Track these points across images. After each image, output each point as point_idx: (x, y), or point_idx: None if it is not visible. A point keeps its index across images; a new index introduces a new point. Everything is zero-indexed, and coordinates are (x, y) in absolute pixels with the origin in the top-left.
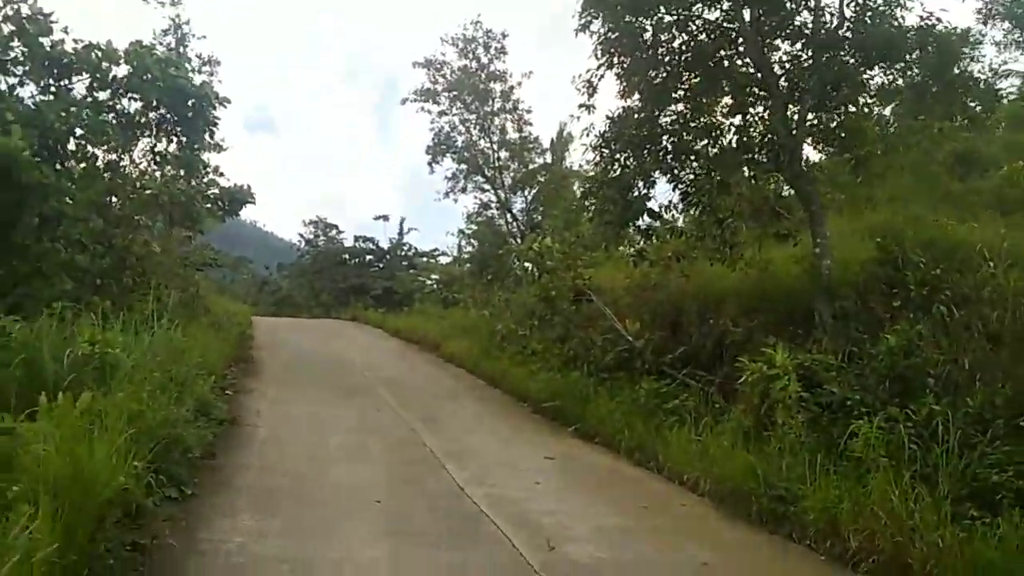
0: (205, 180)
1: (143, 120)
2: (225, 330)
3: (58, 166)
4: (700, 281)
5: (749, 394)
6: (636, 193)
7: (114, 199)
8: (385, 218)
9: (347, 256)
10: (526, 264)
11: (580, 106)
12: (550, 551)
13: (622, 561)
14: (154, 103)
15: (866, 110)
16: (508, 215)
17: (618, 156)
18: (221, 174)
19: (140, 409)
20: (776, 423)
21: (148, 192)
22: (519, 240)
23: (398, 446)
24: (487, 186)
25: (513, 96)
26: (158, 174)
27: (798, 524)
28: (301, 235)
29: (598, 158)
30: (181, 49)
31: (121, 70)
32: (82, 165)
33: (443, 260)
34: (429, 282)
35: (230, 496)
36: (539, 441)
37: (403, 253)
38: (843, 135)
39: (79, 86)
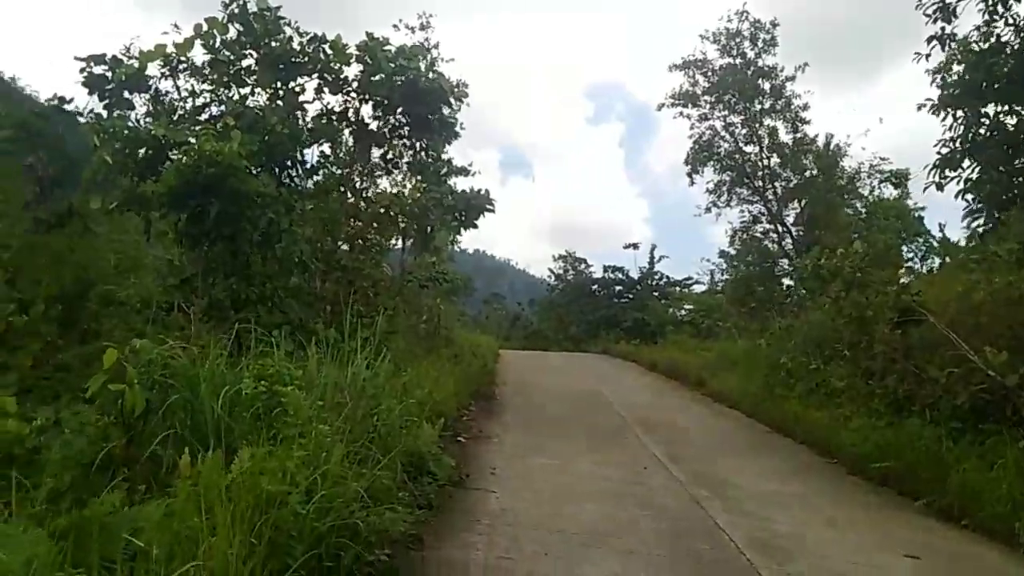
0: (441, 189)
1: (378, 129)
2: (466, 363)
3: (285, 179)
4: None
5: None
6: None
7: (348, 218)
8: (635, 246)
9: (596, 287)
10: (810, 280)
11: (930, 39)
12: None
13: None
14: (386, 102)
15: None
16: (779, 228)
17: (987, 107)
18: (464, 193)
19: (281, 490)
20: None
21: (382, 210)
22: (793, 258)
23: (679, 529)
24: (754, 197)
25: (785, 92)
26: (390, 187)
27: None
28: (551, 270)
29: (951, 116)
30: (430, 75)
31: (351, 70)
32: (311, 180)
33: (696, 288)
34: (682, 313)
35: None
36: (879, 523)
37: (654, 282)
38: None
39: (308, 88)
